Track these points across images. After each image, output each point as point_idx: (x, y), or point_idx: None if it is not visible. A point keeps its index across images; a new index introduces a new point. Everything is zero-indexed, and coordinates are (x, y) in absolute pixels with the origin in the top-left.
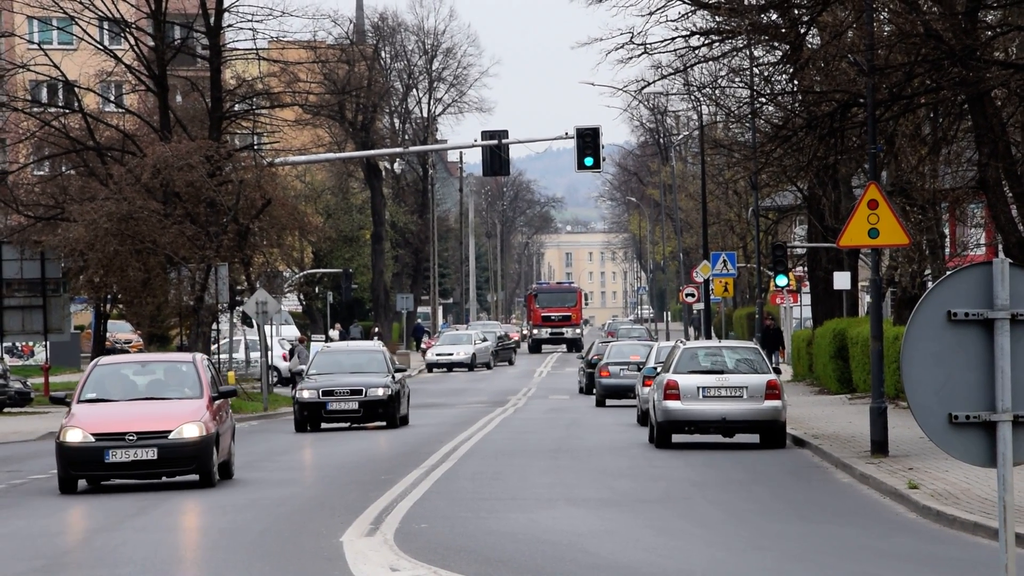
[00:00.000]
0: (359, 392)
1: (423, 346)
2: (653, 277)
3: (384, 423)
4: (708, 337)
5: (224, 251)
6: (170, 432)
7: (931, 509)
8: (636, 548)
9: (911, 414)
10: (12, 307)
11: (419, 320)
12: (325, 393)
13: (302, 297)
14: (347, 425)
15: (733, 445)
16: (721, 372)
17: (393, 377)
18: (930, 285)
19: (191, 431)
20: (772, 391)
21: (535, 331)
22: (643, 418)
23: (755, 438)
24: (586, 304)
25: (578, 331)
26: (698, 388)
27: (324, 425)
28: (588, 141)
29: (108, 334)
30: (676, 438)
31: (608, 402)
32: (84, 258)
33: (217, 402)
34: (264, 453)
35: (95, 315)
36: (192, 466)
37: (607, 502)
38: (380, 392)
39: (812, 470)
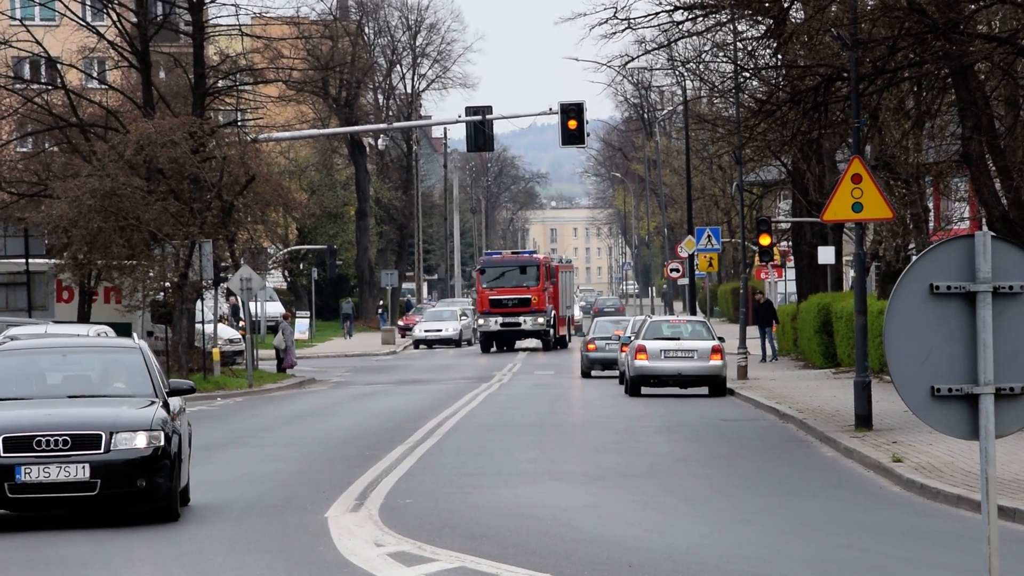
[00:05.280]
0: (91, 443)
1: (401, 323)
2: (638, 252)
3: (147, 506)
4: (693, 312)
5: (208, 227)
6: None
7: (915, 482)
8: (621, 522)
9: (894, 388)
10: None
11: (411, 296)
12: (14, 446)
13: (287, 274)
14: (65, 513)
15: (695, 401)
16: (678, 339)
17: (166, 405)
18: (914, 259)
19: None
20: (716, 353)
21: (481, 321)
22: (623, 377)
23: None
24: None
25: (541, 320)
26: (660, 350)
27: (10, 511)
28: (572, 116)
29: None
30: (646, 390)
31: (593, 373)
32: (68, 235)
33: None
34: None
35: (79, 292)
36: None
37: (592, 477)
38: (140, 442)
39: (796, 444)
